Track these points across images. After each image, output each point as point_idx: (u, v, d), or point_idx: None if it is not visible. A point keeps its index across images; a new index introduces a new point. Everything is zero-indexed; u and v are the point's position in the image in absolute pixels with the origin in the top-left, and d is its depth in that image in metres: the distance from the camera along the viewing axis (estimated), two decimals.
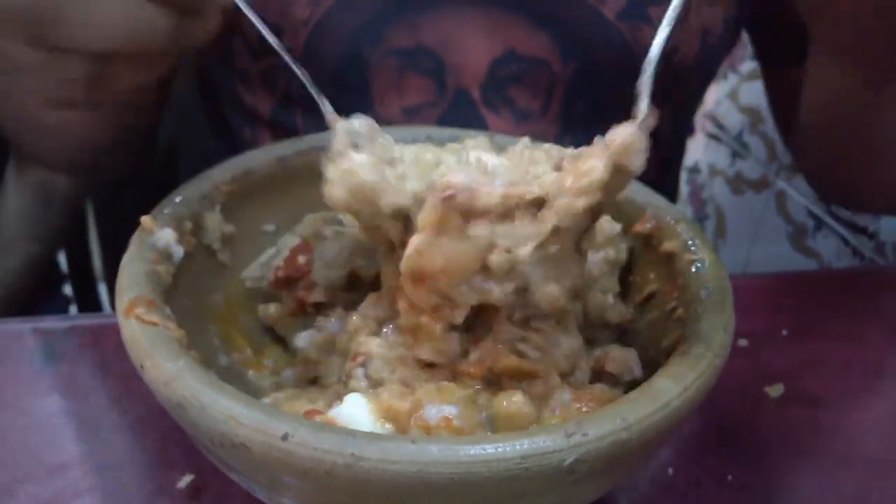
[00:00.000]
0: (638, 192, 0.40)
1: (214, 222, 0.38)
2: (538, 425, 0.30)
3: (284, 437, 0.25)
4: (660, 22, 0.50)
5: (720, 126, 1.22)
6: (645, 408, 0.27)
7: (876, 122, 0.48)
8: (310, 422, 0.26)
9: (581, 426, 0.26)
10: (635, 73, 0.57)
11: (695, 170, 1.28)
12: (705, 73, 0.60)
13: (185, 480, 0.37)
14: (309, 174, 0.41)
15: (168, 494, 0.37)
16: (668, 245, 0.37)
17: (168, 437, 0.40)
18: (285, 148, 0.42)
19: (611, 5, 0.51)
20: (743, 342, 0.48)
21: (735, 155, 1.19)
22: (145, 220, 0.35)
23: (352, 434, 0.26)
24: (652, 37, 0.51)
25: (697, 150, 1.26)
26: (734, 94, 1.16)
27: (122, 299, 0.31)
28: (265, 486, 0.28)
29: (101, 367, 0.44)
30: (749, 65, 1.10)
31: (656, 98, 0.58)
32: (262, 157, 0.41)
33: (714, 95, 1.19)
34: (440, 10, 0.51)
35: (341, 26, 0.51)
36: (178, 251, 0.36)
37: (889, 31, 0.37)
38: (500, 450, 0.25)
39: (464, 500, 0.26)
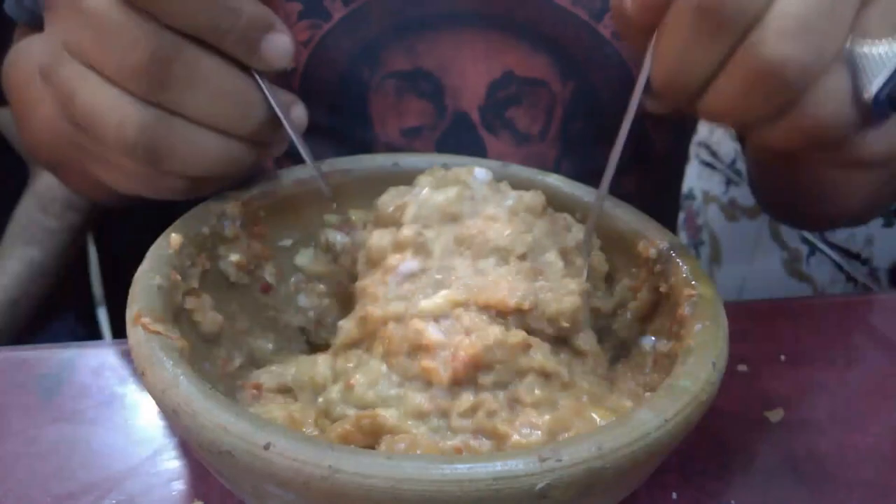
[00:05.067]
0: (640, 222, 0.40)
1: (230, 244, 0.40)
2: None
3: (266, 447, 0.27)
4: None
5: (714, 154, 1.23)
6: (622, 437, 0.28)
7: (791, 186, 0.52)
8: (293, 433, 0.27)
9: (555, 451, 0.27)
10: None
11: (689, 196, 1.30)
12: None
13: None
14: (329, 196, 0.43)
15: None
16: (668, 278, 0.38)
17: (176, 465, 0.40)
18: (306, 171, 0.43)
19: (607, 24, 0.52)
20: (742, 367, 0.48)
21: (729, 182, 1.21)
22: (173, 236, 0.37)
23: (330, 447, 0.27)
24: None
25: (692, 177, 1.27)
26: None
27: (132, 308, 0.32)
28: (251, 494, 0.29)
29: (108, 396, 0.45)
30: None
31: (656, 118, 0.59)
32: (282, 178, 0.43)
33: (707, 124, 1.20)
34: (438, 33, 0.52)
35: (341, 49, 0.52)
36: (194, 265, 0.38)
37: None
38: (472, 470, 0.26)
39: None
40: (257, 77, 0.36)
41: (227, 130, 0.35)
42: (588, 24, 0.52)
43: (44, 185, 0.78)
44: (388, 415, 0.32)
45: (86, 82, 0.33)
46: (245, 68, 0.35)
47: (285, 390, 0.38)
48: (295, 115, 0.38)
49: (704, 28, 0.29)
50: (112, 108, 0.33)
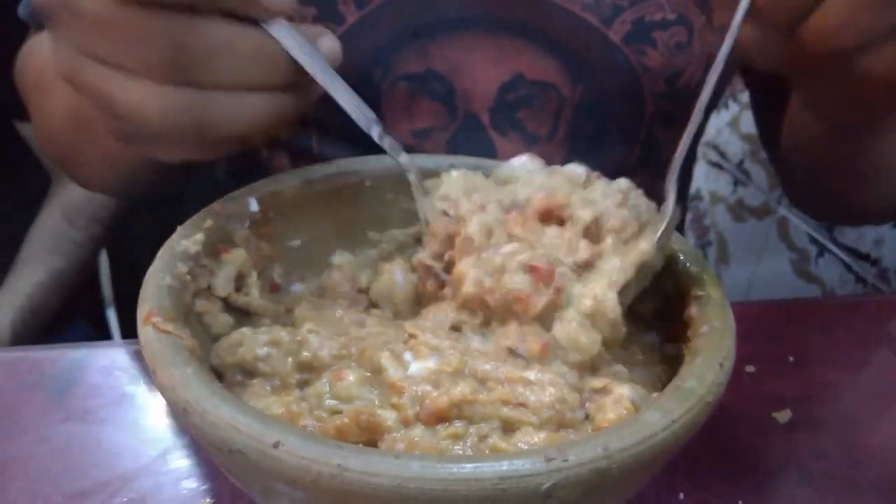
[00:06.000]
0: None
1: (236, 256, 0.40)
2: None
3: (276, 445, 0.27)
4: (664, 46, 0.53)
5: (721, 154, 1.22)
6: (628, 438, 0.28)
7: (852, 162, 0.49)
8: (301, 431, 0.28)
9: (562, 451, 0.27)
10: (640, 95, 0.57)
11: (696, 197, 1.29)
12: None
13: None
14: (335, 197, 0.43)
15: None
16: (675, 279, 0.38)
17: (186, 464, 0.41)
18: (314, 172, 0.43)
19: (617, 29, 0.52)
20: (750, 368, 0.48)
21: (737, 182, 1.20)
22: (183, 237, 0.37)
23: (339, 445, 0.27)
24: (656, 60, 0.52)
25: (699, 178, 1.27)
26: (735, 122, 1.17)
27: (142, 308, 0.33)
28: (260, 492, 0.30)
29: (118, 395, 0.45)
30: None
31: (663, 122, 0.59)
32: (290, 179, 0.43)
33: (715, 124, 1.20)
34: (450, 37, 0.53)
35: (354, 52, 0.53)
36: (205, 264, 0.38)
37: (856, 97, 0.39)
38: (478, 469, 0.26)
39: None
40: (267, 27, 0.35)
41: (259, 87, 0.35)
42: (598, 30, 0.52)
43: (69, 198, 0.79)
44: (386, 416, 0.32)
45: (115, 81, 0.33)
46: (256, 22, 0.35)
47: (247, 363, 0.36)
48: (325, 46, 0.38)
49: None
50: (149, 100, 0.33)
